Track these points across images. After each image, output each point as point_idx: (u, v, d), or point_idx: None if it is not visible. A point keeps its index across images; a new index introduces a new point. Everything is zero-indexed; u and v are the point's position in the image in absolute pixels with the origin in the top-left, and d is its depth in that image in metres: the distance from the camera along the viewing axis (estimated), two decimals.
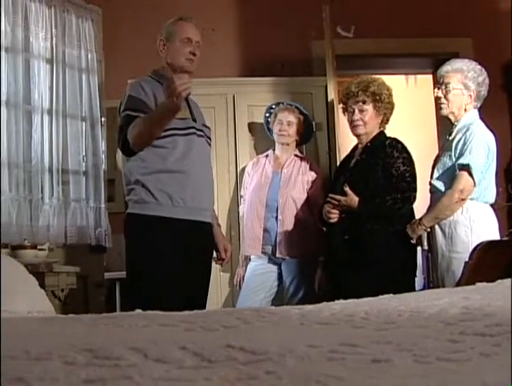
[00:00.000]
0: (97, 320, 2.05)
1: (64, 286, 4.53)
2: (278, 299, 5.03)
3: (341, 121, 5.54)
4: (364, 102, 4.58)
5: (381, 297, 2.70)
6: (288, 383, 1.08)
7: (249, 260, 5.18)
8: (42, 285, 3.15)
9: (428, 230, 4.36)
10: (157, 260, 3.65)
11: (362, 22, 6.46)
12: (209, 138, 4.03)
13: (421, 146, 6.48)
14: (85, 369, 1.19)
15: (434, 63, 6.77)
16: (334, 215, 4.48)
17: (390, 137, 4.63)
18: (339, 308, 2.15)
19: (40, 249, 4.52)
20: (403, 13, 6.50)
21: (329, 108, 5.62)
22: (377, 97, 4.59)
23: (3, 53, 4.92)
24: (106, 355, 1.28)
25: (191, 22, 3.96)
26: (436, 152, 6.68)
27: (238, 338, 1.43)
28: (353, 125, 4.66)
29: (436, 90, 4.50)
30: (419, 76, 8.52)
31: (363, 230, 4.37)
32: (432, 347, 1.29)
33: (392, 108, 4.71)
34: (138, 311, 2.55)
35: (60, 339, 1.53)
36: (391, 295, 2.62)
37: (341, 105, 4.81)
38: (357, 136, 4.70)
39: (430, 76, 7.33)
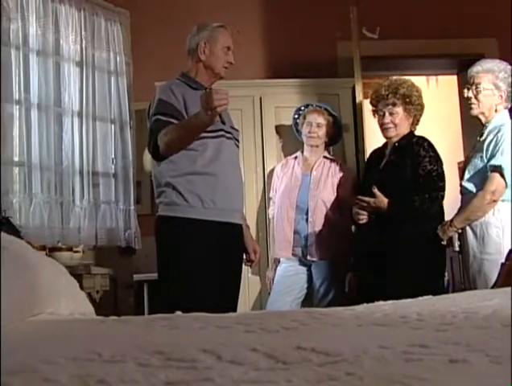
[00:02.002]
0: (150, 322, 2.06)
1: (99, 288, 4.55)
2: (308, 301, 5.02)
3: (367, 122, 5.55)
4: (394, 105, 4.56)
5: (427, 297, 2.70)
6: (370, 384, 1.08)
7: (279, 262, 5.17)
8: (80, 287, 3.16)
9: (459, 231, 4.33)
10: (188, 262, 3.64)
11: (386, 24, 6.43)
12: (238, 140, 4.03)
13: (445, 148, 6.46)
14: (163, 371, 1.19)
15: (459, 63, 6.76)
16: (363, 217, 4.47)
17: (417, 136, 4.61)
18: (390, 309, 2.15)
19: (75, 251, 4.55)
20: (427, 14, 6.47)
21: (357, 110, 5.61)
22: (407, 99, 4.57)
23: (35, 56, 4.96)
24: (180, 358, 1.29)
25: (228, 29, 4.01)
26: (461, 153, 6.72)
27: (306, 340, 1.43)
28: (383, 128, 4.64)
29: (466, 90, 4.45)
30: (441, 77, 8.49)
31: (392, 231, 4.35)
32: (502, 348, 1.29)
33: (422, 110, 4.69)
34: (178, 313, 2.56)
35: (128, 341, 1.54)
36: (441, 296, 2.61)
37: (371, 108, 4.79)
38: (388, 138, 4.68)
39: (452, 77, 7.32)
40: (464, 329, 1.63)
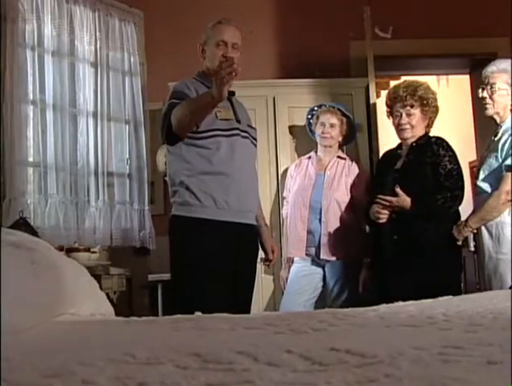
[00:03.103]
0: (175, 323, 2.06)
1: (116, 289, 4.56)
2: (322, 301, 5.02)
3: (380, 121, 5.55)
4: (412, 106, 4.57)
5: (447, 297, 2.71)
6: None
7: (292, 262, 5.17)
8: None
9: (475, 231, 4.32)
10: (201, 262, 3.61)
11: (398, 23, 6.42)
12: (255, 139, 3.98)
13: (455, 147, 6.46)
14: (202, 374, 1.20)
15: (471, 63, 6.75)
16: (384, 216, 4.45)
17: (434, 136, 4.62)
18: (414, 310, 2.16)
19: (92, 252, 4.56)
20: (440, 13, 6.46)
21: (371, 110, 5.61)
22: (425, 101, 4.58)
23: (50, 57, 4.99)
24: (216, 360, 1.29)
25: (228, 24, 3.89)
26: (472, 153, 6.72)
27: (339, 341, 1.44)
28: (399, 129, 4.63)
29: (481, 90, 4.45)
30: (451, 77, 8.47)
31: (413, 230, 4.34)
32: None
33: (437, 112, 4.70)
34: (198, 313, 2.56)
35: (161, 343, 1.54)
36: (463, 296, 2.61)
37: (386, 109, 4.78)
38: (403, 139, 4.67)
39: (462, 77, 7.33)
40: (493, 330, 1.63)
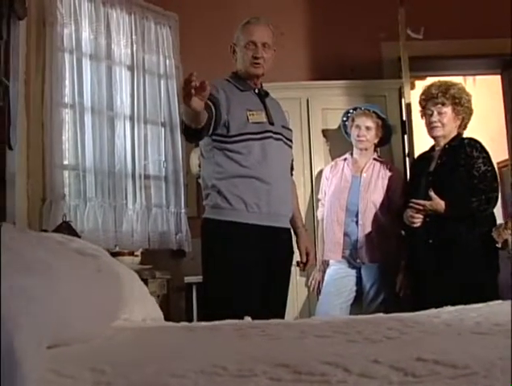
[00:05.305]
0: (239, 330, 2.06)
1: (160, 292, 4.56)
2: (358, 303, 5.01)
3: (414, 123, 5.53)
4: (443, 104, 4.56)
5: (498, 302, 2.70)
6: None
7: (328, 264, 5.16)
8: None
9: None
10: (232, 265, 3.62)
11: (428, 24, 6.39)
12: (290, 140, 3.95)
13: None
14: None
15: (502, 63, 6.71)
16: (418, 220, 4.43)
17: (467, 137, 4.60)
18: (477, 315, 2.15)
19: (135, 255, 4.55)
20: (471, 14, 6.43)
21: (406, 111, 5.58)
22: (457, 100, 4.56)
23: (88, 60, 5.03)
24: (308, 371, 1.29)
25: (258, 23, 3.86)
26: (502, 152, 6.68)
27: (421, 351, 1.43)
28: (430, 127, 4.63)
29: None
30: (478, 77, 8.42)
31: (448, 233, 4.32)
32: None
33: (470, 114, 4.67)
34: (248, 318, 2.56)
35: (245, 353, 1.54)
36: None
37: (420, 109, 4.78)
38: (434, 138, 4.66)
39: (490, 76, 7.29)
40: None
